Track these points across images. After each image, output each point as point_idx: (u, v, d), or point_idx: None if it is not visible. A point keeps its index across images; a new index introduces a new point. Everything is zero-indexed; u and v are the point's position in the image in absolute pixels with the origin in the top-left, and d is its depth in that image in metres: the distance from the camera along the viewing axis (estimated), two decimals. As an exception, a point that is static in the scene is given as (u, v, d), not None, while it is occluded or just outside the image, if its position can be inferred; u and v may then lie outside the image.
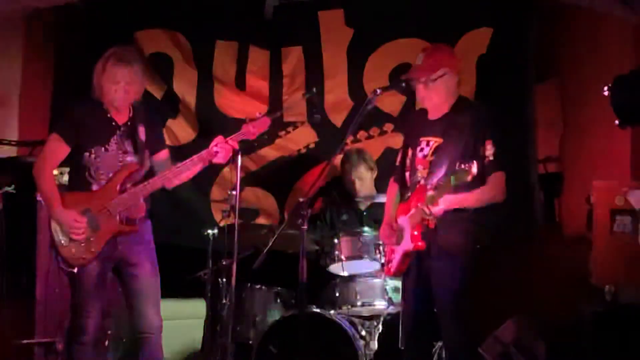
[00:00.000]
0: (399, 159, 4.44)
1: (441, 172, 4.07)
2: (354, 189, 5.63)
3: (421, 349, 4.31)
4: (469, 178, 3.80)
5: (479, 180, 3.98)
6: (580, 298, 4.69)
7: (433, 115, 4.27)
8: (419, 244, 4.09)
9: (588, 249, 4.65)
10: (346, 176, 5.68)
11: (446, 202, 3.97)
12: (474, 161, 3.81)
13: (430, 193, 3.97)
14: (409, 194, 4.26)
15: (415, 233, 4.10)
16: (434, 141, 4.19)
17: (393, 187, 4.50)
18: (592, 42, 5.51)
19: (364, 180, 5.61)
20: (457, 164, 3.85)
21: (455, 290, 4.07)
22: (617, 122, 4.26)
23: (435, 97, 4.22)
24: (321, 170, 4.39)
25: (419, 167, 4.21)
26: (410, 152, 4.31)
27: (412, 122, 4.46)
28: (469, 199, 4.07)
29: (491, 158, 4.06)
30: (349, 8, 5.91)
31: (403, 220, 4.23)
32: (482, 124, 4.12)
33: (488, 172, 4.04)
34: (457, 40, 5.69)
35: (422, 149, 4.22)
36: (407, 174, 4.31)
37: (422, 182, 4.16)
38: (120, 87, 4.18)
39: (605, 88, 4.27)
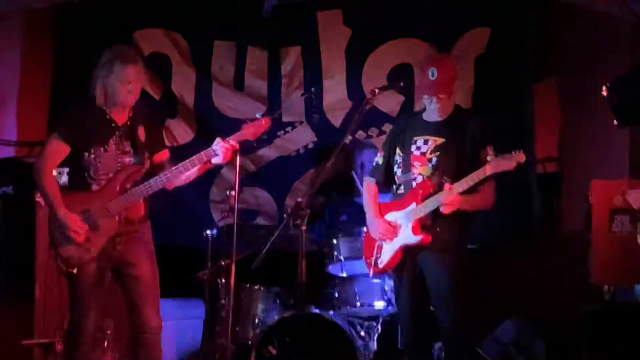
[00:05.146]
0: (381, 159, 4.49)
1: (449, 169, 4.16)
2: (361, 171, 5.64)
3: (421, 349, 4.33)
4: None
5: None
6: (579, 297, 4.70)
7: (432, 117, 4.32)
8: (422, 237, 4.15)
9: (587, 249, 4.66)
10: (350, 160, 5.68)
11: (462, 200, 4.09)
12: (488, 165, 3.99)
13: (449, 187, 4.06)
14: (402, 190, 4.31)
15: (417, 227, 4.17)
16: (433, 140, 4.26)
17: (372, 186, 4.55)
18: (590, 42, 5.51)
19: (370, 162, 5.63)
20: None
21: (450, 286, 4.13)
22: (615, 121, 4.27)
23: (446, 102, 4.29)
24: (320, 169, 4.40)
25: (416, 163, 4.27)
26: (399, 151, 4.35)
27: (402, 122, 4.52)
28: (470, 202, 4.15)
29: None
30: (348, 8, 5.92)
31: (398, 216, 4.28)
32: (483, 129, 4.23)
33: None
34: (456, 40, 5.71)
35: (418, 147, 4.29)
36: (399, 171, 4.34)
37: (421, 178, 4.23)
38: (132, 86, 4.17)
39: (604, 88, 4.28)
